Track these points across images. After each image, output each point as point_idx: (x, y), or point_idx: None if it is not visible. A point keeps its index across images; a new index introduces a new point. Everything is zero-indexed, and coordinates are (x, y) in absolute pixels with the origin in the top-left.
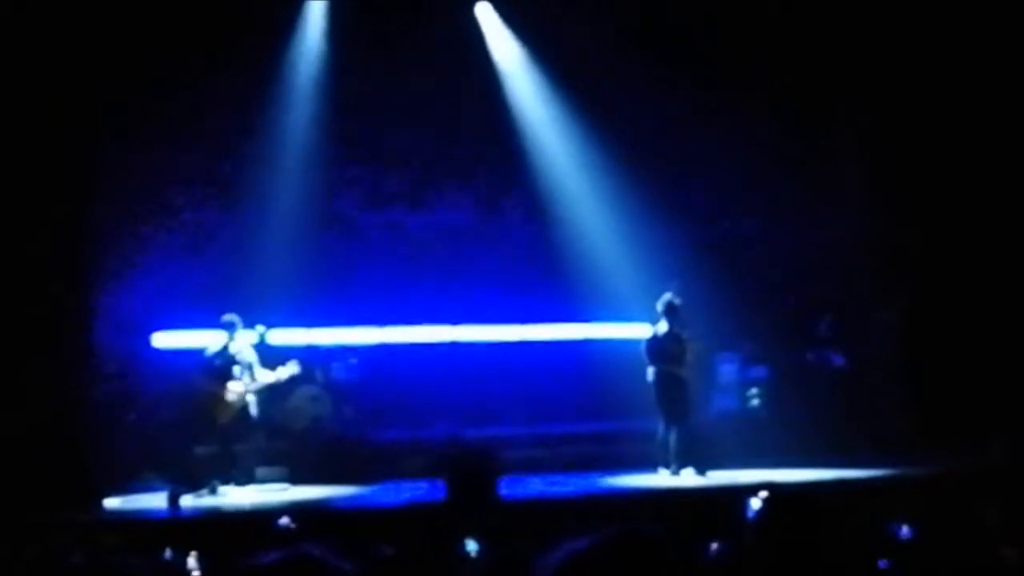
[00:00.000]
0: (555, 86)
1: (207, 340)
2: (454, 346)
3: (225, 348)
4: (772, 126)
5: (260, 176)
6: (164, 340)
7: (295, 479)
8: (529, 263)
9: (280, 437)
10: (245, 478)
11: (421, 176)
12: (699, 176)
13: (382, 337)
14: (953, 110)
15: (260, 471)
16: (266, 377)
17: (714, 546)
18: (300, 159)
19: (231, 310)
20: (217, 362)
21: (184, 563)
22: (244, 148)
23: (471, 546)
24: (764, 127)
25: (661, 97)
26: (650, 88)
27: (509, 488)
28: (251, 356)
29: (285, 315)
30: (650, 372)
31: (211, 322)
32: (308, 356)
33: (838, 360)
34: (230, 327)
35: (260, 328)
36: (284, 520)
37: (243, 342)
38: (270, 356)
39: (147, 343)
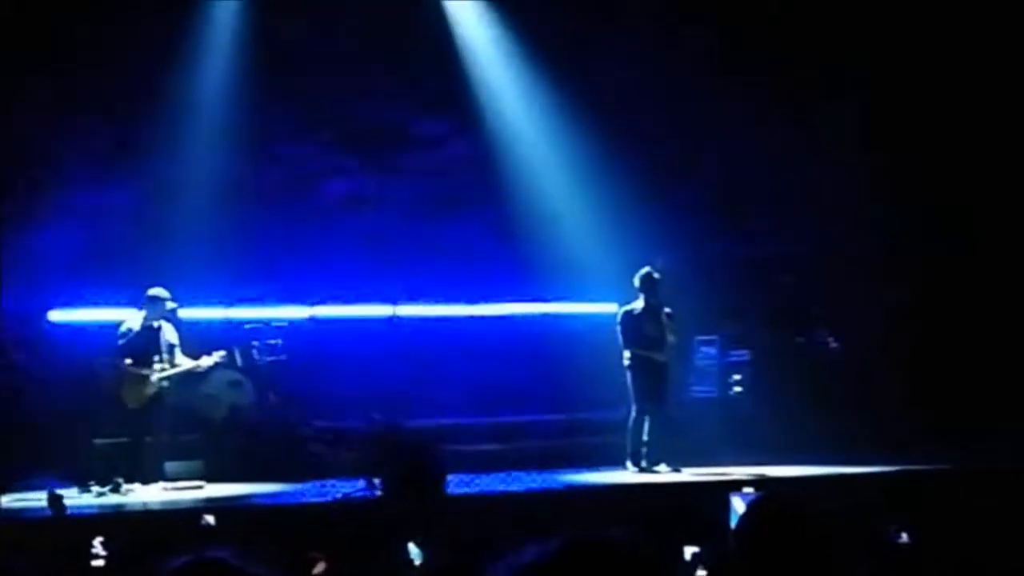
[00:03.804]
0: (514, 38)
1: (122, 316)
2: (393, 323)
3: (143, 326)
4: (768, 87)
5: (174, 136)
6: (63, 316)
7: (211, 475)
8: (482, 230)
9: (194, 428)
10: (154, 474)
11: (355, 135)
12: (677, 136)
13: (310, 314)
14: (960, 94)
15: (171, 466)
16: (186, 363)
17: (690, 552)
18: (219, 116)
19: (139, 283)
20: (131, 342)
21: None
22: (156, 105)
23: (413, 552)
24: (758, 88)
25: (641, 52)
26: (624, 42)
27: (457, 486)
28: (173, 337)
29: (199, 290)
30: (625, 356)
31: (111, 297)
32: (225, 336)
33: (832, 343)
34: (153, 302)
35: (171, 304)
36: (207, 519)
37: (165, 321)
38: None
39: (44, 320)
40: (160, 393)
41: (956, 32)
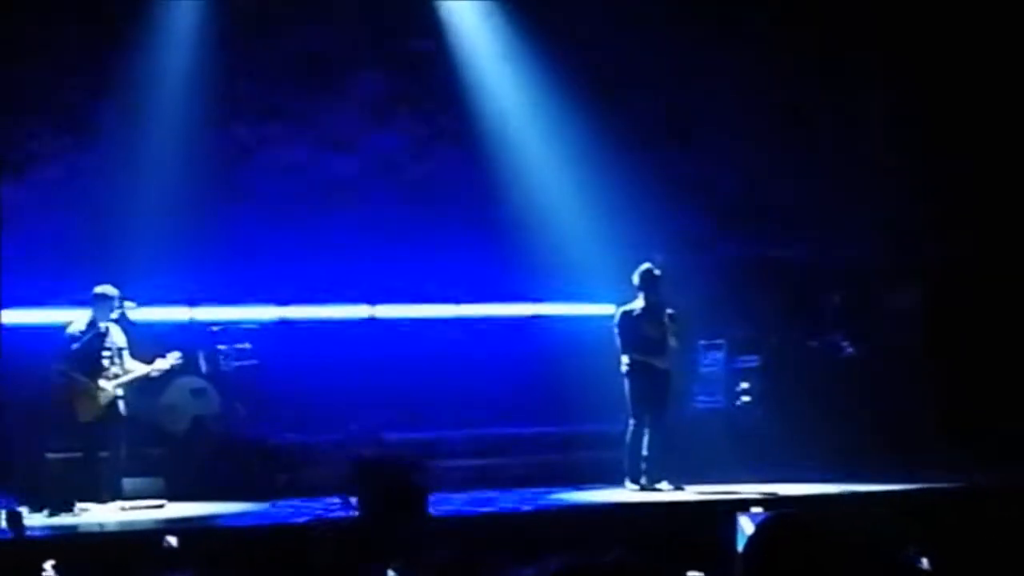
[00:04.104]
0: (506, 24)
1: (69, 318)
2: (372, 326)
3: (92, 329)
4: (771, 72)
5: (132, 122)
6: (8, 317)
7: (172, 493)
8: (468, 223)
9: (154, 441)
10: (110, 492)
11: (332, 117)
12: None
13: (282, 315)
14: (983, 92)
15: (129, 483)
16: (138, 368)
17: None
18: (180, 100)
19: (93, 279)
20: (81, 346)
21: None
22: (111, 86)
23: None
24: (762, 74)
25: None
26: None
27: (440, 505)
28: (121, 339)
29: (159, 288)
30: (623, 361)
31: (66, 294)
32: (188, 339)
33: (847, 348)
34: (102, 301)
35: (129, 304)
36: (169, 541)
37: (114, 323)
38: (133, 338)
39: None
40: (115, 404)
41: (975, 31)
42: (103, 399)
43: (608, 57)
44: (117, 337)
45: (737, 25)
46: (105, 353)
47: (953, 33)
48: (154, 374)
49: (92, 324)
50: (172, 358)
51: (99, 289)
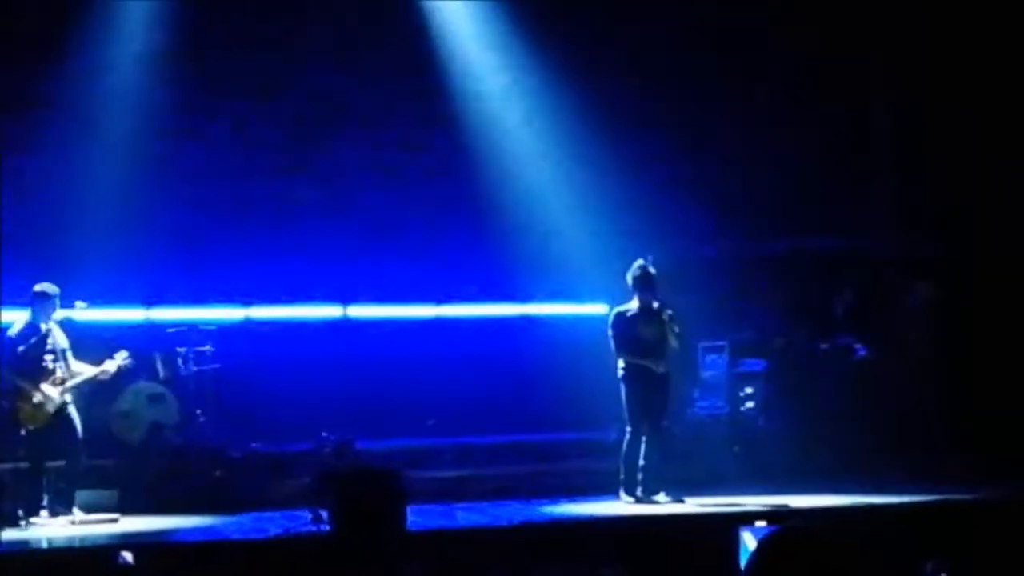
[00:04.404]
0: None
1: (9, 318)
2: (345, 327)
3: (34, 330)
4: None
5: (83, 104)
6: None
7: (128, 506)
8: (450, 217)
9: (107, 451)
10: (61, 505)
11: (304, 110)
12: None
13: (246, 315)
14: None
15: (81, 495)
16: (85, 370)
17: None
18: (134, 88)
19: (39, 277)
20: (23, 349)
21: None
22: (63, 67)
23: None
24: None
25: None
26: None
27: (419, 519)
28: (64, 341)
29: (113, 287)
30: (618, 365)
31: (10, 295)
32: (144, 342)
33: (860, 350)
34: (42, 301)
35: (80, 304)
36: (125, 557)
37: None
38: (81, 340)
39: None
40: (64, 410)
41: (985, 30)
42: (49, 406)
43: (604, 53)
44: (60, 338)
45: (740, 21)
46: (48, 356)
47: (962, 30)
48: (102, 377)
49: (33, 325)
50: (120, 358)
51: (39, 287)
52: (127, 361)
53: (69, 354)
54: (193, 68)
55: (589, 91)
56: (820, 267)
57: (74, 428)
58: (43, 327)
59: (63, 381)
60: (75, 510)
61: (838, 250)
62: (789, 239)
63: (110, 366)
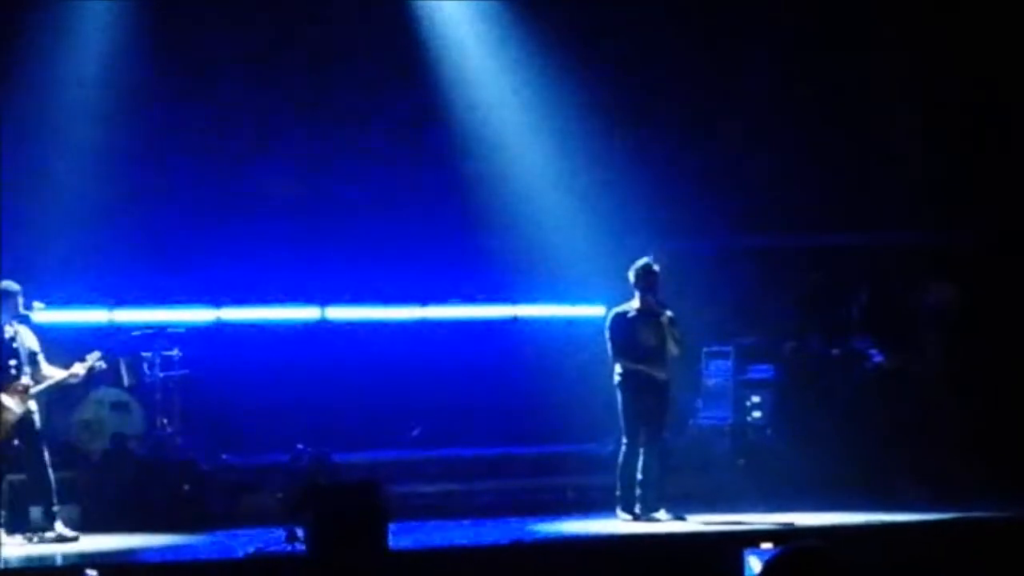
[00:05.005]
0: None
1: None
2: (322, 330)
3: None
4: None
5: (48, 97)
6: None
7: (89, 523)
8: (435, 212)
9: (67, 463)
10: (16, 522)
11: (276, 101)
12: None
13: (217, 317)
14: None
15: (37, 512)
16: (57, 374)
17: None
18: (103, 75)
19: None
20: None
21: None
22: (31, 61)
23: None
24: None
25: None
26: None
27: (401, 537)
28: (34, 343)
29: (74, 287)
30: (615, 371)
31: None
32: (107, 345)
33: (876, 356)
34: (6, 301)
35: (37, 305)
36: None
37: (22, 325)
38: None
39: None
40: (28, 420)
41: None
42: (10, 416)
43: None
44: (29, 340)
45: (761, 16)
46: (11, 361)
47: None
48: (72, 380)
49: None
50: (92, 359)
51: (1, 285)
52: (100, 363)
53: (40, 357)
54: (160, 64)
55: (583, 83)
56: (832, 265)
57: (34, 440)
58: (7, 330)
59: (26, 389)
60: (57, 525)
61: (852, 247)
62: (798, 235)
63: (80, 369)
